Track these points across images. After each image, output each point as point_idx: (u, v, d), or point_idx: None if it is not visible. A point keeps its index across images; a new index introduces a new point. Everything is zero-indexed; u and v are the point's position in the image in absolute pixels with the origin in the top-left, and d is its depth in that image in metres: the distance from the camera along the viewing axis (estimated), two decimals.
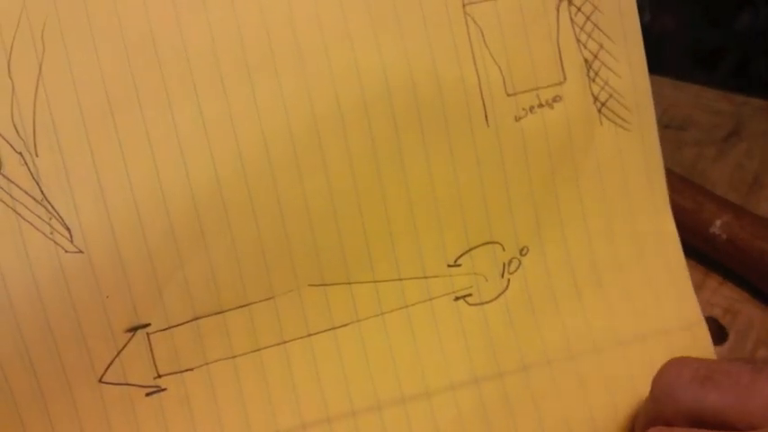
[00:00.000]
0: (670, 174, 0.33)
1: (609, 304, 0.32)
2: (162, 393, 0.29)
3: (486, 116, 0.30)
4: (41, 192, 0.28)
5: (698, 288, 0.33)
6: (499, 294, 0.31)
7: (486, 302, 0.31)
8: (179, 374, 0.29)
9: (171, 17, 0.28)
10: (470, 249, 0.31)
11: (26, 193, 0.28)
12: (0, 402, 0.28)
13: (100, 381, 0.29)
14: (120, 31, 0.28)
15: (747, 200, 0.42)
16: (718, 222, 0.38)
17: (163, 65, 0.28)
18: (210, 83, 0.28)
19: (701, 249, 0.39)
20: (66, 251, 0.28)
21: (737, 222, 0.38)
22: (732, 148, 0.44)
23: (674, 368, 0.27)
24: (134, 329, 0.29)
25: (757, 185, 0.42)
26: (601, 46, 0.31)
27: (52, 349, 0.28)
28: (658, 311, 0.32)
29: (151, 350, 0.29)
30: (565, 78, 0.31)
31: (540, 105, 0.31)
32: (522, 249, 0.31)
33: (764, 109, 0.47)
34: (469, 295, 0.31)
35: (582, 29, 0.31)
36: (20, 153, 0.28)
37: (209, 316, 0.29)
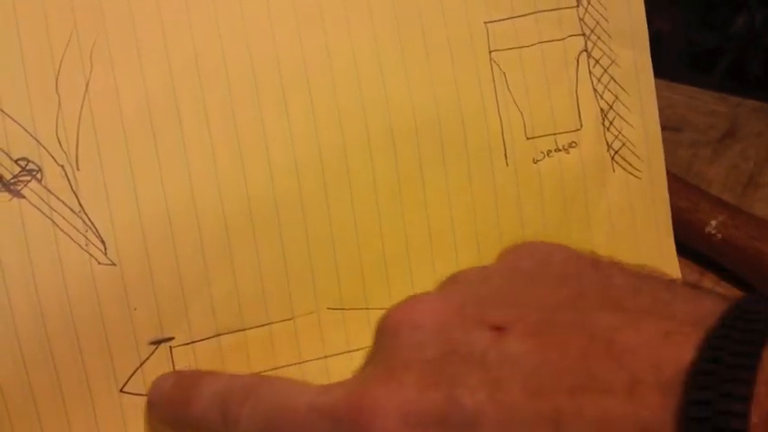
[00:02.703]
0: (666, 174, 0.34)
1: None
2: None
3: (506, 156, 0.32)
4: (79, 204, 0.29)
5: None
6: None
7: None
8: None
9: (215, 44, 0.29)
10: None
11: (64, 204, 0.28)
12: (21, 405, 0.28)
13: (121, 390, 0.29)
14: (165, 53, 0.29)
15: (742, 200, 0.42)
16: (713, 222, 0.38)
17: (205, 88, 0.29)
18: (249, 108, 0.30)
19: (696, 249, 0.39)
20: (100, 263, 0.29)
21: (733, 222, 0.38)
22: (727, 148, 0.44)
23: None
24: (158, 342, 0.29)
25: (752, 186, 0.43)
26: (616, 97, 0.33)
27: (77, 356, 0.29)
28: None
29: (173, 363, 0.30)
30: (581, 126, 0.33)
31: (557, 150, 0.32)
32: None
33: (759, 110, 0.47)
34: None
35: (599, 80, 0.33)
36: (61, 165, 0.28)
37: (230, 333, 0.30)
